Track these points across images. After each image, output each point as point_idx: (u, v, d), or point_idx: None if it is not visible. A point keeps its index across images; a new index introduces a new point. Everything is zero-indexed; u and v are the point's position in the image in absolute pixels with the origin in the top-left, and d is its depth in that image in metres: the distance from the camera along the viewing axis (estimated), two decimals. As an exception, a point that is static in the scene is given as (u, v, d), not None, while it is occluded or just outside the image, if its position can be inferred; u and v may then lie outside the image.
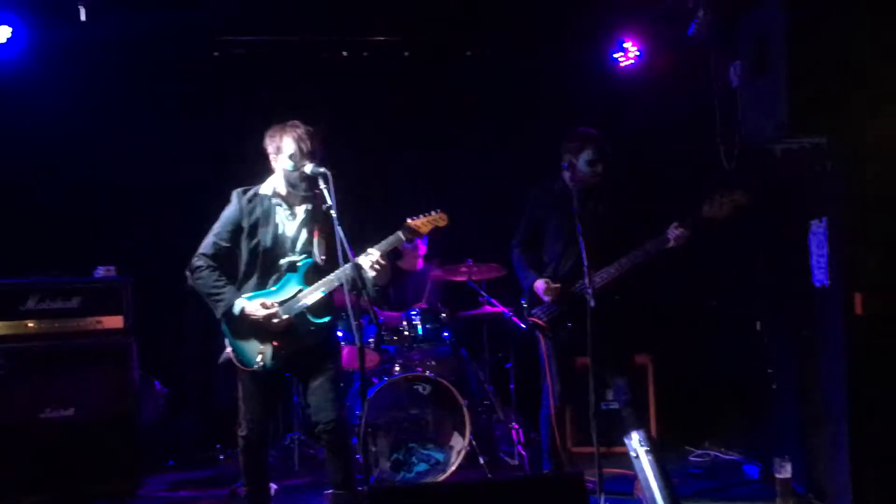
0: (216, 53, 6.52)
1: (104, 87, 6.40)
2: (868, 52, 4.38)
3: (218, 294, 4.20)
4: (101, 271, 5.50)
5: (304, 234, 4.29)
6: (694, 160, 5.95)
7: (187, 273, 4.30)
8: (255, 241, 4.25)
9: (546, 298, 4.90)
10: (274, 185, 4.33)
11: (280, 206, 4.29)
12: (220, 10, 6.06)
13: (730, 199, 4.68)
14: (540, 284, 4.91)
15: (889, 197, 4.42)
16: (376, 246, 4.18)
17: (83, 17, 5.59)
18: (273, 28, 6.47)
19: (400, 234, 4.24)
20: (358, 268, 4.02)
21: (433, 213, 4.30)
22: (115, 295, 5.44)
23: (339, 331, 5.22)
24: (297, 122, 4.26)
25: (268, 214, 4.27)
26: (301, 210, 4.31)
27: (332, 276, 4.18)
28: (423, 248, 6.41)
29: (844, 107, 4.40)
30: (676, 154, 6.37)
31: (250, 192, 4.33)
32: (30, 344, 5.19)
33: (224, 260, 4.30)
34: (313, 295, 4.20)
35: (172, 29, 6.23)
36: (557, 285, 4.88)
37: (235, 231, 4.28)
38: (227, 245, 4.29)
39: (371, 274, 4.15)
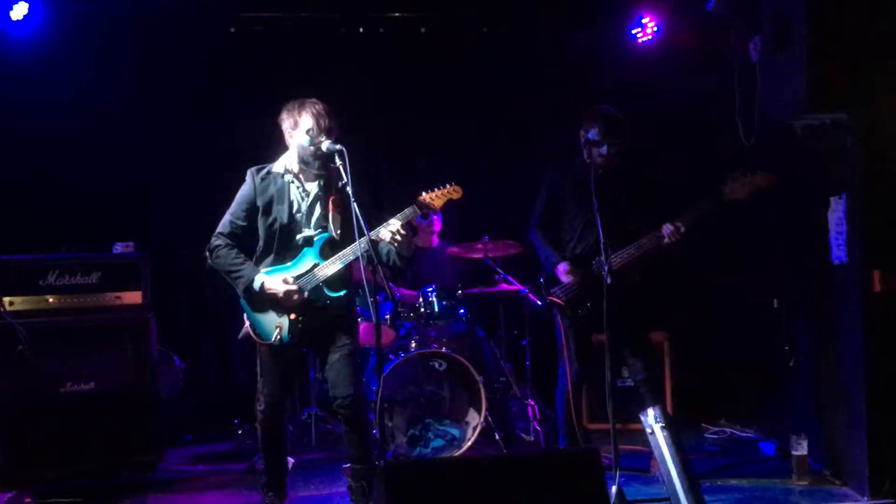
0: (233, 30, 6.53)
1: (122, 63, 6.42)
2: (889, 28, 4.33)
3: (238, 271, 4.23)
4: (119, 247, 5.52)
5: (318, 210, 4.31)
6: (713, 136, 5.91)
7: (206, 254, 4.33)
8: (271, 219, 4.28)
9: (566, 279, 4.89)
10: (287, 162, 4.34)
11: (293, 182, 4.30)
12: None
13: (750, 181, 4.65)
14: (563, 267, 4.91)
15: (908, 173, 4.40)
16: (396, 217, 4.18)
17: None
18: (291, 4, 6.46)
19: (414, 207, 4.23)
20: (374, 243, 4.03)
21: (447, 186, 4.28)
22: (133, 270, 5.47)
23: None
24: (315, 100, 4.26)
25: (282, 191, 4.29)
26: (314, 185, 4.32)
27: (347, 250, 4.20)
28: (438, 225, 6.39)
29: (865, 83, 4.37)
30: (696, 130, 6.32)
31: (263, 171, 4.35)
32: (50, 319, 5.22)
33: (242, 238, 4.33)
34: (329, 268, 4.22)
35: (191, 5, 6.23)
36: (579, 277, 4.87)
37: (250, 209, 4.30)
38: (244, 223, 4.31)
39: (393, 245, 4.16)
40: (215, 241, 4.31)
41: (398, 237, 4.15)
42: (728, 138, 5.22)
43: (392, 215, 4.21)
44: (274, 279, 4.20)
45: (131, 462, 5.33)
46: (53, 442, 5.12)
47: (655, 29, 6.55)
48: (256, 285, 4.20)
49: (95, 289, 5.36)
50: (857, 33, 4.32)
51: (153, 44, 6.43)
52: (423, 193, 4.26)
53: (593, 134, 4.86)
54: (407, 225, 4.21)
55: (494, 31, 6.80)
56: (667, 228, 4.73)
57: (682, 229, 4.73)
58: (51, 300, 5.26)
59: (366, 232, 3.93)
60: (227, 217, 4.34)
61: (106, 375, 5.28)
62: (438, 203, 4.27)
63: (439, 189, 4.27)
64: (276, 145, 4.41)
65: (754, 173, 4.65)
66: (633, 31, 6.64)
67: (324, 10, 6.54)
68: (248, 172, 4.36)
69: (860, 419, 4.47)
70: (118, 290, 5.41)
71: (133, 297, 5.44)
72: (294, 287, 4.19)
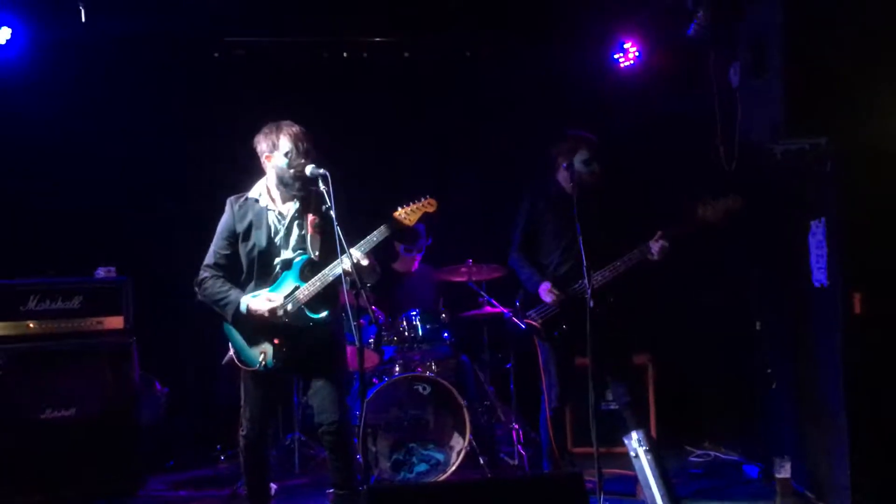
0: (216, 54, 6.54)
1: (104, 87, 6.40)
2: (866, 52, 4.40)
3: (224, 298, 4.23)
4: (101, 272, 5.51)
5: (295, 231, 4.30)
6: (694, 161, 5.96)
7: (195, 288, 4.33)
8: (250, 245, 4.28)
9: (548, 299, 4.91)
10: (262, 187, 4.35)
11: (269, 207, 4.30)
12: (221, 12, 6.07)
13: (721, 205, 4.69)
14: (545, 286, 4.93)
15: (888, 197, 4.45)
16: (357, 246, 4.16)
17: (83, 19, 5.59)
18: (274, 29, 6.48)
19: (384, 226, 4.20)
20: (357, 266, 4.02)
21: (422, 199, 4.24)
22: (115, 295, 5.45)
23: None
24: (291, 122, 4.28)
25: (259, 217, 4.29)
26: (290, 208, 4.31)
27: (326, 271, 4.18)
28: (418, 258, 6.37)
29: (843, 107, 4.43)
30: (676, 155, 6.38)
31: (241, 199, 4.36)
32: (31, 344, 5.20)
33: (227, 268, 4.33)
34: (309, 290, 4.21)
35: (173, 30, 6.24)
36: (563, 296, 4.89)
37: (231, 238, 4.31)
38: (227, 252, 4.32)
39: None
40: (202, 274, 4.31)
41: (362, 265, 4.12)
42: (709, 162, 5.26)
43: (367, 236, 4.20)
44: (257, 299, 4.20)
45: (112, 488, 5.28)
46: (33, 468, 5.08)
47: (637, 54, 6.60)
48: (243, 308, 4.19)
49: (77, 314, 5.34)
50: (833, 58, 4.39)
51: (135, 68, 6.43)
52: (399, 209, 4.24)
53: (577, 160, 4.90)
54: (372, 252, 4.19)
55: (477, 56, 6.84)
56: (655, 245, 4.75)
57: (668, 245, 4.75)
58: (31, 325, 5.23)
59: (348, 254, 3.92)
60: (211, 249, 4.35)
61: (87, 401, 5.25)
62: (414, 218, 4.24)
63: (414, 203, 4.24)
64: (257, 167, 4.41)
65: (725, 196, 4.70)
66: (616, 56, 6.70)
67: (307, 35, 6.56)
68: (228, 202, 4.37)
69: (842, 442, 4.49)
70: (100, 314, 5.39)
71: (115, 321, 5.42)
72: (278, 302, 4.18)
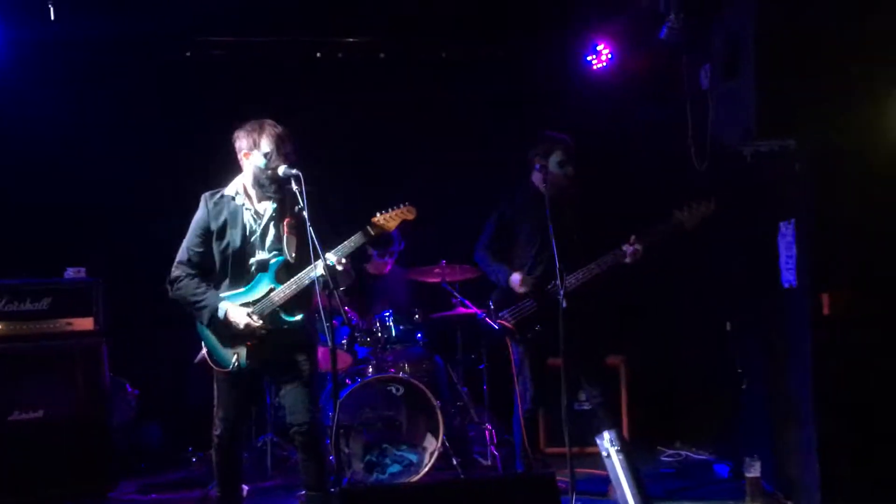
0: (189, 54, 6.50)
1: (75, 87, 6.35)
2: (836, 55, 4.44)
3: (201, 301, 4.19)
4: (70, 272, 5.46)
5: (272, 232, 4.28)
6: (666, 162, 6.00)
7: (168, 286, 4.29)
8: (224, 243, 4.24)
9: (521, 290, 4.91)
10: (239, 185, 4.31)
11: (245, 205, 4.27)
12: (195, 11, 6.03)
13: (697, 210, 4.74)
14: (516, 277, 4.94)
15: (856, 198, 4.49)
16: (334, 250, 4.15)
17: (52, 17, 5.53)
18: (248, 29, 6.45)
19: (361, 233, 4.19)
20: (331, 268, 4.02)
21: (401, 206, 4.24)
22: (85, 296, 5.40)
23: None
24: (273, 122, 4.24)
25: (235, 215, 4.25)
26: (267, 207, 4.29)
27: (302, 274, 4.17)
28: (390, 263, 6.37)
29: (812, 109, 4.47)
30: (649, 156, 6.42)
31: (217, 195, 4.31)
32: (-1, 346, 5.14)
33: (201, 265, 4.28)
34: (285, 293, 4.19)
35: (146, 29, 6.20)
36: (531, 276, 4.90)
37: (205, 235, 4.26)
38: (200, 250, 4.27)
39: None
40: (175, 272, 4.26)
41: (338, 269, 4.11)
42: (681, 164, 5.31)
43: (347, 238, 4.19)
44: (238, 312, 4.16)
45: (82, 491, 5.24)
46: (1, 471, 5.01)
47: (610, 56, 6.64)
48: (221, 313, 4.16)
49: (46, 315, 5.29)
50: (804, 60, 4.43)
51: (107, 67, 6.37)
52: (378, 214, 4.23)
53: (552, 161, 4.93)
54: (351, 255, 4.18)
55: (452, 57, 6.85)
56: (629, 248, 4.78)
57: (641, 249, 4.79)
58: (0, 327, 5.17)
59: (322, 256, 3.91)
60: (183, 245, 4.30)
61: (56, 403, 5.20)
62: (393, 224, 4.24)
63: (393, 210, 4.24)
64: (233, 168, 4.39)
65: (699, 203, 4.74)
66: (588, 58, 6.73)
67: (281, 35, 6.54)
68: (202, 198, 4.32)
69: (811, 441, 4.53)
70: (69, 316, 5.35)
71: (85, 323, 5.38)
72: (259, 324, 4.15)
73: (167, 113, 6.58)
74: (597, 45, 6.67)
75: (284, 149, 4.17)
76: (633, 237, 4.78)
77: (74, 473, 5.18)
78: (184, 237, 4.35)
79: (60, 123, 6.31)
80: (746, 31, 4.55)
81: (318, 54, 6.69)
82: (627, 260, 4.79)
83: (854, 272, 4.47)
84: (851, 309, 4.45)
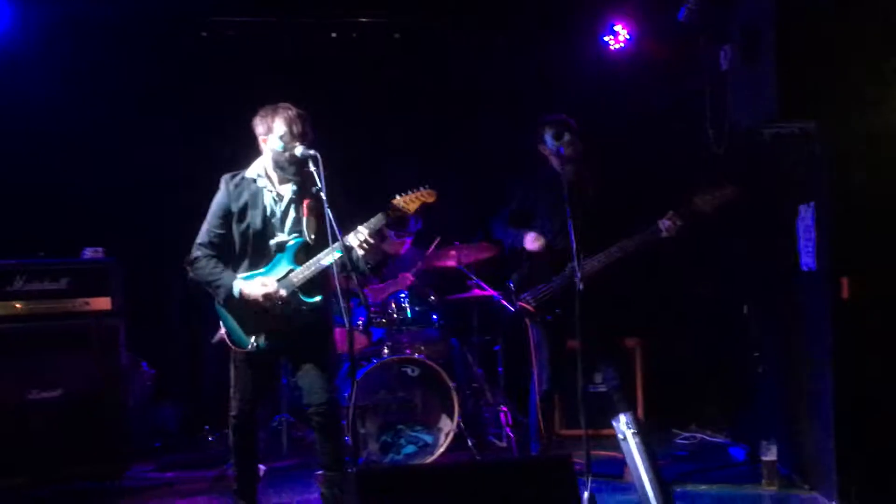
0: (205, 34, 6.49)
1: (92, 67, 6.34)
2: (856, 37, 4.41)
3: (217, 280, 4.21)
4: (88, 252, 5.47)
5: (292, 214, 4.28)
6: (684, 144, 5.96)
7: (186, 267, 4.30)
8: (244, 224, 4.25)
9: (534, 246, 4.89)
10: (260, 167, 4.32)
11: (266, 188, 4.28)
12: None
13: (720, 194, 4.69)
14: (531, 235, 4.92)
15: (876, 181, 4.46)
16: (364, 224, 4.16)
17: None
18: (263, 9, 6.43)
19: (382, 214, 4.20)
20: (348, 249, 4.02)
21: (421, 189, 4.24)
22: (102, 276, 5.41)
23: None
24: (288, 105, 4.23)
25: (255, 197, 4.26)
26: (287, 190, 4.29)
27: (321, 255, 4.17)
28: (408, 243, 6.37)
29: (833, 92, 4.44)
30: (666, 138, 6.38)
31: (237, 177, 4.32)
32: (17, 325, 5.16)
33: (221, 247, 4.29)
34: (304, 274, 4.20)
35: (162, 9, 6.18)
36: (545, 241, 4.89)
37: (226, 217, 4.27)
38: (221, 231, 4.28)
39: (360, 252, 4.14)
40: (195, 253, 4.27)
41: (365, 245, 4.13)
42: (699, 146, 5.27)
43: (364, 219, 4.19)
44: (252, 284, 4.17)
45: (98, 470, 5.26)
46: (19, 449, 5.05)
47: (627, 37, 6.58)
48: (235, 292, 4.17)
49: (64, 294, 5.30)
50: (825, 42, 4.40)
51: (124, 47, 6.36)
52: (397, 196, 4.23)
53: (549, 141, 4.92)
54: (376, 233, 4.19)
55: (467, 38, 6.81)
56: (665, 223, 4.74)
57: (679, 224, 4.75)
58: (18, 306, 5.20)
59: (339, 237, 3.91)
60: (204, 227, 4.31)
61: (73, 382, 5.22)
62: (413, 207, 4.24)
63: (413, 192, 4.23)
64: (248, 150, 4.38)
65: (723, 187, 4.69)
66: (605, 39, 6.67)
67: (297, 15, 6.51)
68: (222, 179, 4.32)
69: (828, 425, 4.52)
70: (87, 295, 5.35)
71: (102, 303, 5.38)
72: (273, 288, 4.16)
73: (182, 95, 6.57)
74: (614, 26, 6.61)
75: (299, 130, 4.16)
76: (670, 213, 4.74)
77: (91, 452, 5.19)
78: (199, 217, 4.35)
79: (79, 106, 6.31)
80: (766, 13, 4.51)
81: (334, 34, 6.66)
82: (664, 234, 4.75)
83: (874, 256, 4.44)
84: (870, 293, 4.42)
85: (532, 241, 4.93)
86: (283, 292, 4.18)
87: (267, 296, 4.15)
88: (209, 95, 6.55)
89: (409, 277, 6.14)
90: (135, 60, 6.44)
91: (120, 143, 6.48)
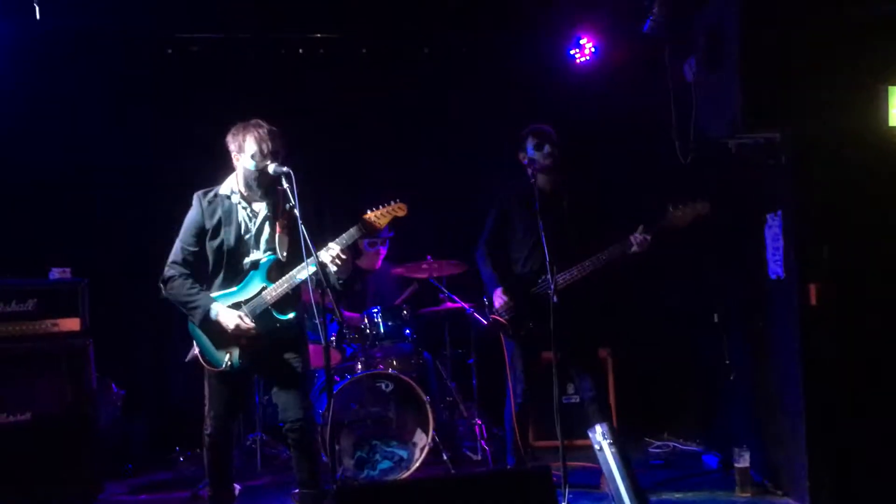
0: (170, 51, 6.45)
1: (57, 85, 6.28)
2: (819, 48, 4.48)
3: (193, 301, 4.18)
4: (56, 273, 5.39)
5: (266, 231, 4.27)
6: (650, 156, 6.02)
7: (161, 285, 4.27)
8: (218, 241, 4.23)
9: (497, 304, 4.94)
10: (233, 184, 4.30)
11: (240, 204, 4.26)
12: (174, 8, 5.99)
13: (693, 209, 4.75)
14: (498, 291, 4.97)
15: (842, 189, 4.53)
16: (335, 240, 4.17)
17: (38, 16, 5.48)
18: (228, 26, 6.41)
19: (355, 229, 4.21)
20: (322, 265, 4.02)
21: (391, 203, 4.27)
22: (71, 297, 5.33)
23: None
24: (259, 122, 4.23)
25: (229, 214, 4.24)
26: (262, 207, 4.28)
27: (293, 272, 4.17)
28: (383, 252, 6.40)
29: (796, 102, 4.51)
30: (633, 150, 6.44)
31: (210, 194, 4.30)
32: (-16, 348, 5.08)
33: (194, 265, 4.28)
34: (277, 291, 4.18)
35: (126, 26, 6.14)
36: (512, 303, 4.92)
37: (200, 234, 4.25)
38: (195, 249, 4.26)
39: (332, 268, 4.14)
40: (169, 272, 4.24)
41: (338, 261, 4.13)
42: (667, 158, 5.33)
43: (335, 235, 4.19)
44: (229, 314, 4.15)
45: (70, 493, 5.17)
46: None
47: (593, 50, 6.64)
48: (213, 315, 4.15)
49: (32, 316, 5.22)
50: (788, 53, 4.47)
51: (88, 64, 6.31)
52: (368, 212, 4.25)
53: (530, 150, 4.96)
54: (348, 248, 4.20)
55: (436, 53, 6.84)
56: (637, 237, 4.78)
57: (649, 238, 4.79)
58: (-15, 329, 5.11)
59: (314, 253, 3.91)
60: (177, 245, 4.28)
61: (43, 405, 5.13)
62: (383, 221, 4.26)
63: (384, 207, 4.26)
64: (216, 167, 4.37)
65: (696, 201, 4.75)
66: (571, 52, 6.73)
67: (263, 30, 6.50)
68: (195, 196, 4.30)
69: (799, 431, 4.57)
70: (55, 316, 5.27)
71: (71, 323, 5.31)
72: (247, 325, 4.15)
73: (149, 111, 6.52)
74: (580, 39, 6.67)
75: (269, 148, 4.15)
76: (641, 227, 4.79)
77: (62, 476, 5.11)
78: (166, 234, 4.34)
79: (43, 123, 6.24)
80: (730, 24, 4.58)
81: (300, 50, 6.66)
82: (635, 249, 4.79)
83: (841, 263, 4.50)
84: (838, 299, 4.48)
85: (497, 298, 4.97)
86: (259, 329, 4.16)
87: (238, 327, 4.14)
88: (176, 112, 6.50)
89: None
90: (99, 77, 6.37)
91: (84, 161, 6.41)
